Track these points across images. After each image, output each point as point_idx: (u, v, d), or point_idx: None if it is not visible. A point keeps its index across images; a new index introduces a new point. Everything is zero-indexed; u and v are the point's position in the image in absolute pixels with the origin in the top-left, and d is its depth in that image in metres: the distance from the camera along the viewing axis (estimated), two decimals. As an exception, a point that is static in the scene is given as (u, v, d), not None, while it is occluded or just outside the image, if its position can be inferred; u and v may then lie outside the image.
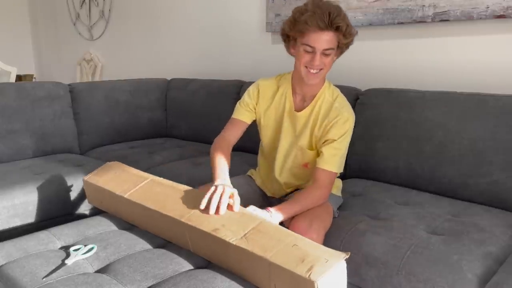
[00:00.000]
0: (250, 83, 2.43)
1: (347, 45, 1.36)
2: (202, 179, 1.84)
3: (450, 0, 1.81)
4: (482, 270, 1.14)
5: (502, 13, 1.69)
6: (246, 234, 1.06)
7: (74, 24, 3.99)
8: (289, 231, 1.09)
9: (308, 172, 1.50)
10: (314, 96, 1.44)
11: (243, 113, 1.50)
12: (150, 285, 1.03)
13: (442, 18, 1.85)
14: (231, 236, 1.06)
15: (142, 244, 1.23)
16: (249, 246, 1.01)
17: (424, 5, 1.89)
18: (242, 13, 2.67)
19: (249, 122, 1.52)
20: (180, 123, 2.70)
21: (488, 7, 1.72)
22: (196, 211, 1.18)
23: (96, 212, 1.91)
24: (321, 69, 1.33)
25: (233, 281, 1.03)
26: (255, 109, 1.51)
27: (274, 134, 1.52)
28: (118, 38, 3.62)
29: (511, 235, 1.31)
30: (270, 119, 1.51)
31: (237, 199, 1.19)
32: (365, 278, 1.26)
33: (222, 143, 1.45)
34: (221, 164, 1.36)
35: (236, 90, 2.45)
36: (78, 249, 1.17)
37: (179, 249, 1.19)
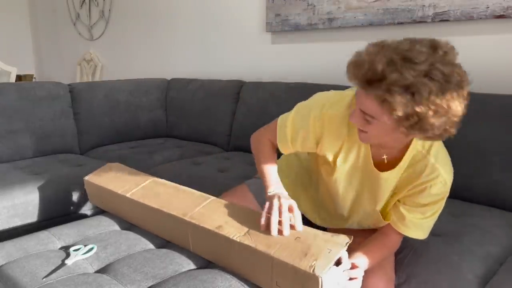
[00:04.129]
0: (250, 83, 2.43)
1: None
2: (202, 179, 1.84)
3: (450, 0, 1.81)
4: (482, 271, 1.14)
5: (502, 13, 1.69)
6: (249, 230, 1.06)
7: (74, 24, 3.99)
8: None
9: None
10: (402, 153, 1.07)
11: (290, 147, 1.18)
12: (150, 285, 1.03)
13: (442, 18, 1.85)
14: (235, 233, 1.06)
15: (142, 244, 1.23)
16: (252, 242, 1.01)
17: (424, 5, 1.88)
18: (242, 13, 2.67)
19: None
20: (180, 123, 2.70)
21: (488, 7, 1.72)
22: (199, 210, 1.18)
23: (96, 212, 1.91)
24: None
25: (234, 281, 1.03)
26: (315, 145, 1.13)
27: (346, 186, 1.16)
28: (118, 38, 3.62)
29: (511, 235, 1.31)
30: (341, 165, 1.12)
31: (297, 215, 1.05)
32: (365, 278, 1.26)
33: (266, 144, 1.23)
34: (271, 169, 1.19)
35: (236, 90, 2.44)
36: (78, 249, 1.17)
37: (180, 249, 1.19)
